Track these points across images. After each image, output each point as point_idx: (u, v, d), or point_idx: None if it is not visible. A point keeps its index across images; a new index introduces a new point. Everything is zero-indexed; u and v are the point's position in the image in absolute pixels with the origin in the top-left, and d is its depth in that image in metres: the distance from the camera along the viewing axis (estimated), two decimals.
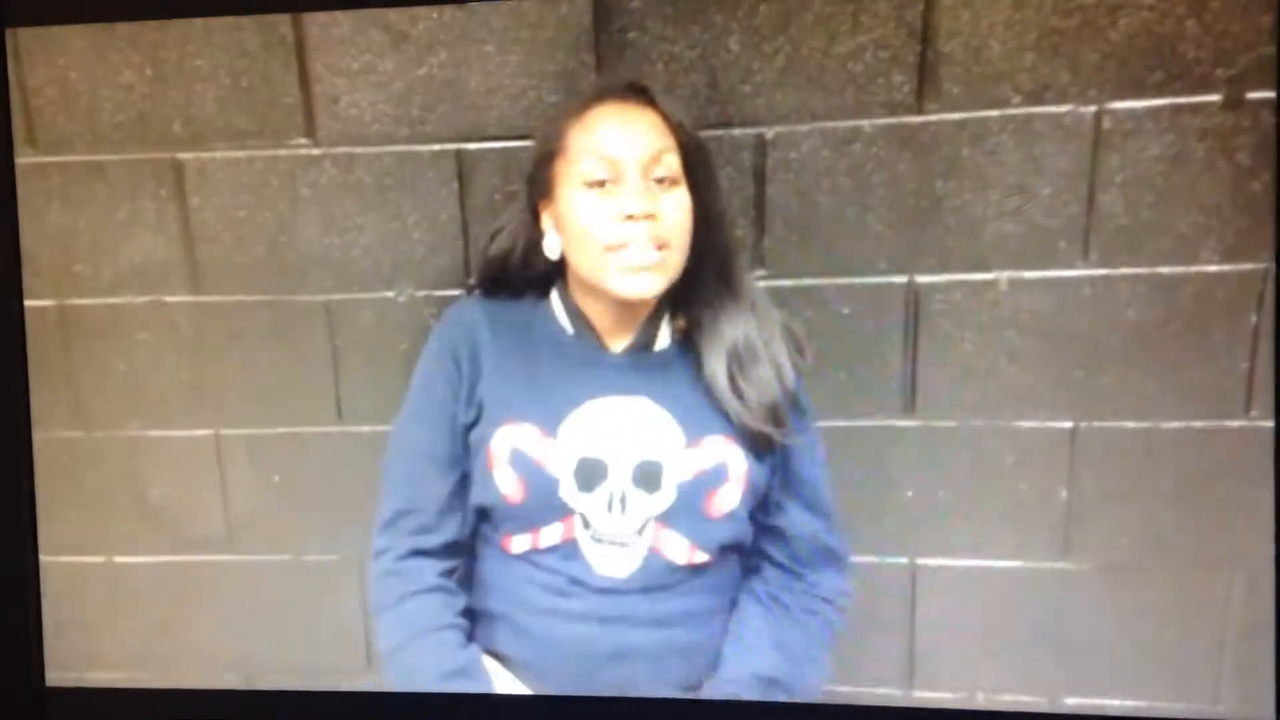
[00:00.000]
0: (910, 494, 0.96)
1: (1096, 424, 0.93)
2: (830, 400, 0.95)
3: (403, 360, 0.98)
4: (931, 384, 0.94)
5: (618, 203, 0.83)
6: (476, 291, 0.96)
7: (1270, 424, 0.90)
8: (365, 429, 1.01)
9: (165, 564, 1.06)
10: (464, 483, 0.91)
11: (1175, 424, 0.92)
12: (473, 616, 0.92)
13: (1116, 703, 0.95)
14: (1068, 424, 0.93)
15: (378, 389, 1.00)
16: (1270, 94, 0.86)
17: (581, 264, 0.86)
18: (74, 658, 1.06)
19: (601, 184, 0.83)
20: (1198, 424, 0.92)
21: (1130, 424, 0.92)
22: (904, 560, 0.96)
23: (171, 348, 1.03)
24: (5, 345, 1.02)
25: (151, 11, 0.97)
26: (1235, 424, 0.91)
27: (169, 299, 1.02)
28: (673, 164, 0.84)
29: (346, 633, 1.04)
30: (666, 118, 0.84)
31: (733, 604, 0.90)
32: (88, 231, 1.02)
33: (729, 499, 0.86)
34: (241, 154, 0.99)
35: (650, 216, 0.82)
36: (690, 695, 0.90)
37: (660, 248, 0.83)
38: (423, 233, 0.99)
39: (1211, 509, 0.92)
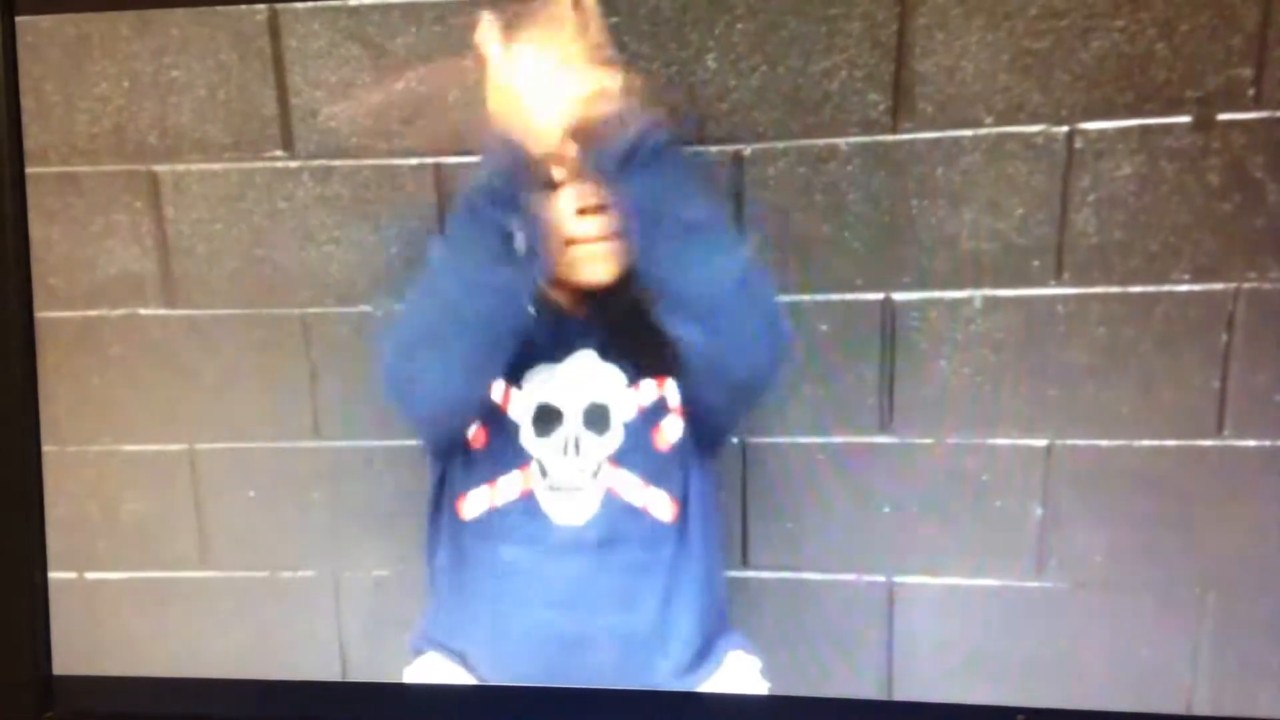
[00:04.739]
0: (887, 510, 0.96)
1: (1070, 442, 0.93)
2: (807, 417, 0.96)
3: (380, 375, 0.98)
4: (908, 401, 0.95)
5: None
6: None
7: (1245, 443, 0.91)
8: (343, 444, 1.00)
9: (138, 580, 1.05)
10: None
11: (1148, 442, 0.92)
12: (439, 628, 0.93)
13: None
14: (1042, 442, 0.94)
15: (355, 404, 0.99)
16: (1240, 115, 0.87)
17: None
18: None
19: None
20: (1170, 442, 0.92)
21: (1103, 442, 0.93)
22: (881, 578, 0.97)
23: (146, 361, 1.02)
24: (15, 357, 1.01)
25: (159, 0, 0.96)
26: (1208, 443, 0.92)
27: (143, 312, 1.02)
28: None
29: (323, 651, 1.03)
30: None
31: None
32: (61, 244, 1.01)
33: (674, 429, 0.89)
34: (218, 166, 0.99)
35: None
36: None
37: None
38: (401, 246, 0.98)
39: (1184, 526, 0.93)
